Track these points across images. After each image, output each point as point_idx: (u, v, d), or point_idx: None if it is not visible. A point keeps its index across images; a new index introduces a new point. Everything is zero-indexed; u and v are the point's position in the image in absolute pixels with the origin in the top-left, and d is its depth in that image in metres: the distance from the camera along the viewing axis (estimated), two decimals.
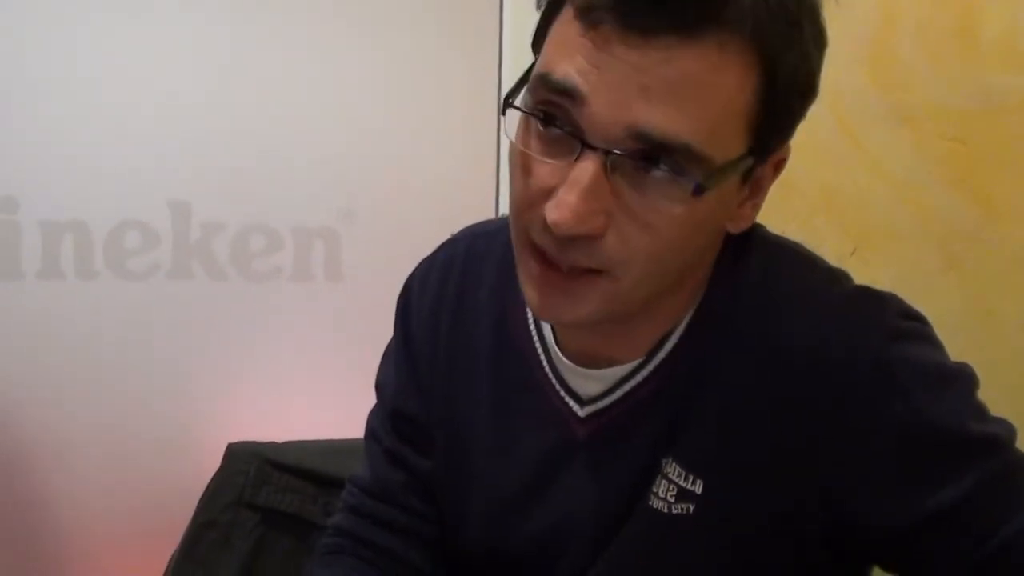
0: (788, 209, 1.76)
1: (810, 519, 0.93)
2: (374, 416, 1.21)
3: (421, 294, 1.14)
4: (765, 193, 0.90)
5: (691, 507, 0.95)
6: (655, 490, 0.96)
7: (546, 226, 0.81)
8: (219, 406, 2.23)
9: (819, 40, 0.84)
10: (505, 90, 0.86)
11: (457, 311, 1.11)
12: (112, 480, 2.17)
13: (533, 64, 0.85)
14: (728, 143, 0.81)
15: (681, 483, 0.94)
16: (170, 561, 1.90)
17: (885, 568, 0.97)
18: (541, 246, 0.85)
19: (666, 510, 0.95)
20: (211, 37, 2.16)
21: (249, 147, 2.20)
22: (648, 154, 0.79)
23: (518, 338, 1.05)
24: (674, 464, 0.95)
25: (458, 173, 2.20)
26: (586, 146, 0.79)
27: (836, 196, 1.73)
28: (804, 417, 0.91)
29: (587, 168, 0.79)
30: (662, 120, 0.77)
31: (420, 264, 1.18)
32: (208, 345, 2.23)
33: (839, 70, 1.76)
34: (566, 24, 0.82)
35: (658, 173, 0.80)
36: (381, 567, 1.15)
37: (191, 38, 2.15)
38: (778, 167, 0.90)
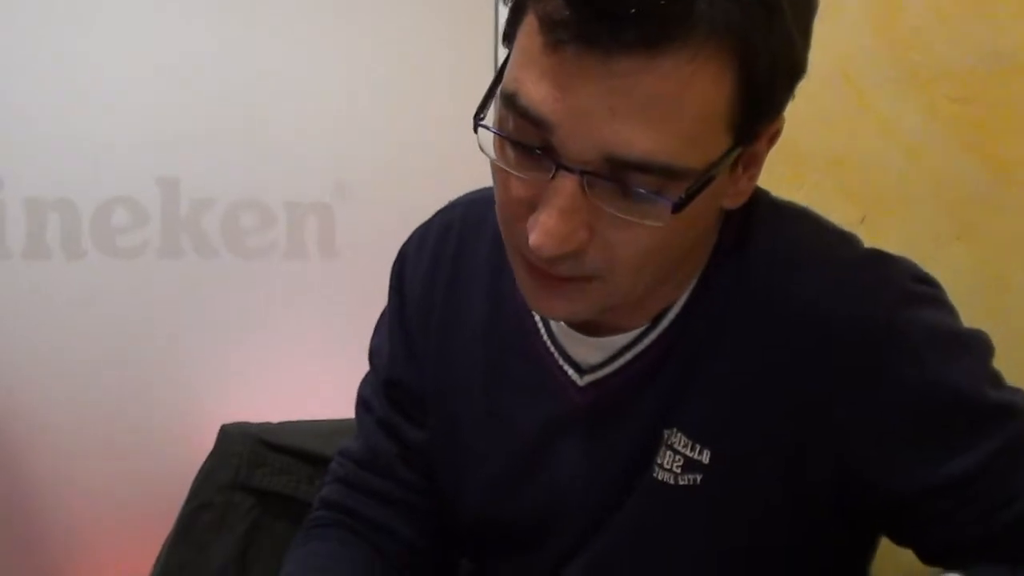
0: (793, 176, 1.75)
1: (821, 486, 0.93)
2: (366, 385, 1.21)
3: (416, 260, 1.14)
4: (761, 164, 0.89)
5: (698, 478, 0.94)
6: (660, 461, 0.96)
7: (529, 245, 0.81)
8: (212, 386, 2.23)
9: (803, 17, 0.81)
10: (501, 59, 0.85)
11: (453, 277, 1.11)
12: (103, 463, 2.18)
13: (501, 72, 0.83)
14: (709, 146, 0.79)
15: (687, 453, 0.94)
16: (164, 545, 1.90)
17: (897, 538, 0.97)
18: (530, 260, 0.85)
19: (672, 482, 0.95)
20: (201, 11, 2.16)
21: (239, 120, 2.20)
22: (625, 174, 0.78)
23: (515, 305, 1.04)
24: (679, 434, 0.95)
25: (456, 145, 2.17)
26: (561, 167, 0.78)
27: (844, 161, 1.72)
28: (814, 381, 0.90)
29: (564, 187, 0.78)
30: (636, 143, 0.76)
31: (416, 230, 1.18)
32: (200, 324, 2.23)
33: (846, 30, 1.75)
34: (530, 36, 0.78)
35: (637, 193, 0.78)
36: (371, 541, 1.15)
37: (179, 13, 2.15)
38: (773, 139, 0.88)
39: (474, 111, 0.83)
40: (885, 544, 1.03)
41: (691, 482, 0.95)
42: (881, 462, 0.90)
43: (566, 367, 1.01)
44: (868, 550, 1.05)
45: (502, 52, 0.85)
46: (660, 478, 0.96)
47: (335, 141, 2.25)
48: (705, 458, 0.94)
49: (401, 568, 1.15)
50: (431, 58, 2.28)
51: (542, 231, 0.79)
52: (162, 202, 2.17)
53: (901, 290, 0.91)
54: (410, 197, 2.14)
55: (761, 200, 0.96)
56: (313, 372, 2.25)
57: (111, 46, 2.11)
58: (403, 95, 2.28)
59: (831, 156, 1.73)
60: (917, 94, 1.65)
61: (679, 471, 0.95)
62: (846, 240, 0.97)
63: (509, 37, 0.83)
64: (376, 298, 1.20)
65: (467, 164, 2.10)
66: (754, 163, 0.88)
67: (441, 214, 1.17)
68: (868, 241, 0.97)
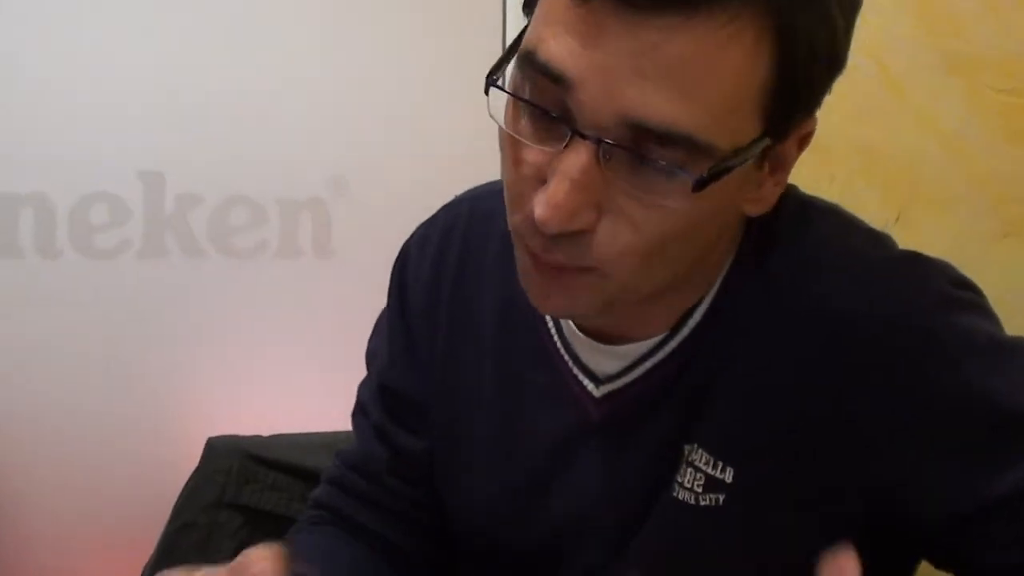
0: (823, 171, 1.75)
1: (853, 508, 0.92)
2: (364, 388, 1.21)
3: (419, 260, 1.14)
4: (789, 170, 0.89)
5: (721, 498, 0.94)
6: (680, 479, 0.95)
7: (533, 223, 0.81)
8: (198, 397, 2.24)
9: (848, 7, 0.81)
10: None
11: (459, 279, 1.11)
12: (79, 479, 2.18)
13: (521, 34, 0.83)
14: (738, 128, 0.79)
15: (709, 471, 0.94)
16: (145, 568, 1.90)
17: (936, 561, 0.97)
18: (530, 248, 0.85)
19: (693, 501, 0.95)
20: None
21: (228, 111, 2.20)
22: (645, 144, 0.78)
23: (527, 309, 1.04)
24: (700, 450, 0.94)
25: (460, 137, 2.19)
26: (577, 134, 0.78)
27: (878, 155, 1.73)
28: (845, 394, 0.90)
29: (578, 158, 0.78)
30: (660, 108, 0.76)
31: (419, 227, 1.17)
32: (185, 330, 2.23)
33: (882, 15, 1.75)
34: None
35: (656, 165, 0.78)
36: (363, 542, 1.16)
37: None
38: (803, 142, 0.88)
39: (481, 104, 0.83)
40: (925, 568, 1.03)
41: (713, 502, 0.94)
42: (919, 481, 0.90)
43: (581, 377, 1.01)
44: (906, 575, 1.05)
45: (511, 32, 0.86)
46: (681, 497, 0.95)
47: (331, 133, 2.25)
48: (728, 476, 0.94)
49: (395, 571, 1.16)
50: (434, 47, 2.27)
51: (549, 203, 0.78)
52: (145, 198, 2.17)
53: (939, 295, 0.91)
54: (411, 192, 2.16)
55: (788, 197, 0.96)
56: (307, 381, 2.26)
57: (92, 32, 2.11)
58: (407, 82, 2.27)
59: (864, 149, 1.73)
60: (958, 83, 1.65)
61: (700, 490, 0.95)
62: (879, 241, 0.96)
63: (530, 4, 0.83)
64: (375, 301, 1.20)
65: (474, 157, 2.11)
66: (781, 167, 0.87)
67: (446, 210, 1.17)
68: (903, 242, 0.97)
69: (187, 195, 2.19)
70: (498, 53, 0.85)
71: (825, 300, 0.91)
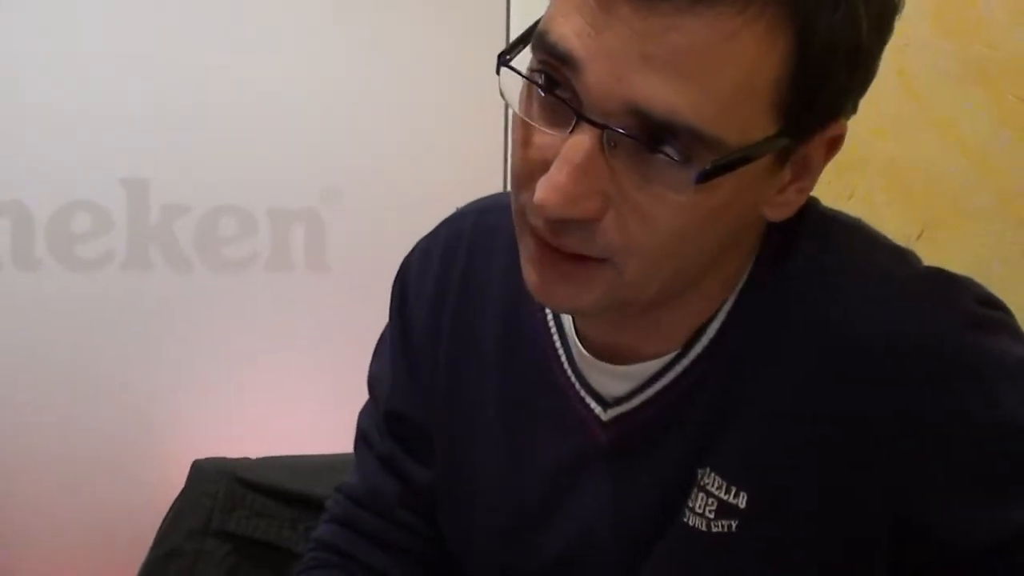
0: (842, 185, 1.75)
1: (874, 537, 0.92)
2: (366, 416, 1.21)
3: (421, 276, 1.14)
4: (815, 176, 0.89)
5: (734, 524, 0.94)
6: (691, 504, 0.95)
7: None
8: (183, 417, 2.23)
9: (876, 7, 0.81)
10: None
11: (462, 296, 1.11)
12: (57, 502, 2.17)
13: (540, 20, 0.84)
14: (749, 122, 0.79)
15: (722, 496, 0.94)
16: None
17: None
18: (535, 227, 0.86)
19: (704, 527, 0.95)
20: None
21: (217, 115, 2.20)
22: (650, 133, 0.78)
23: (532, 328, 1.04)
24: (713, 475, 0.94)
25: (460, 146, 2.19)
26: (582, 118, 0.79)
27: (899, 169, 1.73)
28: (866, 419, 0.90)
29: (581, 144, 0.79)
30: (665, 96, 0.76)
31: (420, 242, 1.17)
32: (169, 346, 2.23)
33: (903, 23, 1.75)
34: None
35: (661, 156, 0.79)
36: None
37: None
38: (832, 146, 0.88)
39: (487, 105, 0.84)
40: None
41: (725, 528, 0.94)
42: (945, 512, 0.90)
43: (588, 399, 1.01)
44: None
45: (515, 35, 0.87)
46: (692, 523, 0.95)
47: (326, 139, 2.25)
48: (741, 502, 0.94)
49: None
50: (435, 49, 2.27)
51: (550, 186, 0.79)
52: (128, 207, 2.17)
53: (966, 314, 0.91)
54: (411, 203, 2.16)
55: (809, 210, 0.96)
56: (299, 401, 2.25)
57: (72, 31, 2.11)
58: (404, 89, 2.27)
59: (884, 162, 1.73)
60: (983, 92, 1.66)
61: (712, 516, 0.95)
62: (904, 257, 0.96)
63: None
64: (372, 317, 1.20)
65: (477, 167, 2.12)
66: (806, 172, 0.88)
67: (448, 223, 1.16)
68: (927, 256, 0.97)
69: (173, 204, 2.19)
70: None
71: (847, 318, 0.91)
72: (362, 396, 1.22)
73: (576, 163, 0.79)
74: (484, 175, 2.09)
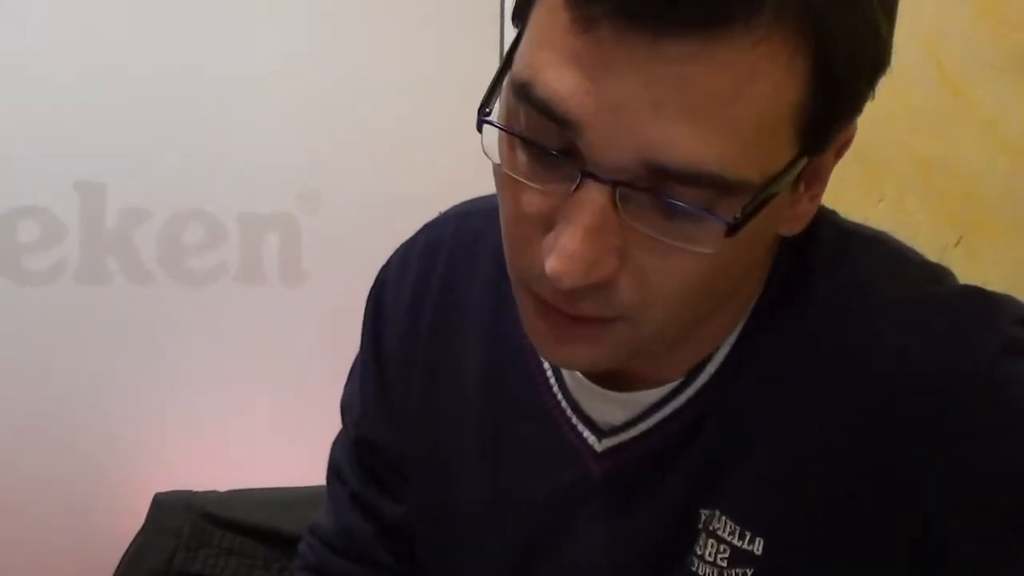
0: (871, 189, 1.75)
1: None
2: (338, 447, 1.21)
3: (397, 289, 1.14)
4: (824, 183, 0.89)
5: (749, 572, 0.93)
6: (700, 552, 0.95)
7: (544, 272, 0.80)
8: (144, 446, 2.23)
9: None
10: (508, 45, 0.84)
11: (441, 311, 1.10)
12: (2, 540, 2.17)
13: (511, 56, 0.81)
14: (772, 154, 0.78)
15: (735, 542, 0.94)
16: None
17: None
18: (542, 296, 0.84)
19: None
20: None
21: (182, 112, 2.20)
22: (667, 185, 0.76)
23: (519, 348, 1.03)
24: (723, 518, 0.94)
25: (447, 147, 2.17)
26: (588, 175, 0.77)
27: (935, 169, 1.73)
28: (891, 452, 0.89)
29: (591, 202, 0.77)
30: (684, 148, 0.75)
31: (396, 251, 1.17)
32: (128, 367, 2.22)
33: (939, 6, 1.75)
34: (552, 10, 0.77)
35: (681, 207, 0.77)
36: None
37: None
38: (840, 151, 0.88)
39: (476, 106, 0.83)
40: None
41: None
42: (975, 555, 0.89)
43: (581, 428, 1.00)
44: None
45: (509, 36, 0.85)
46: (701, 572, 0.95)
47: (302, 138, 2.25)
48: (757, 548, 0.93)
49: None
50: (420, 48, 2.28)
51: (563, 255, 0.77)
52: (82, 213, 2.17)
53: (1004, 338, 0.89)
54: (393, 208, 2.14)
55: (824, 223, 0.95)
56: (271, 428, 2.25)
57: (18, 18, 2.12)
58: (386, 88, 2.27)
59: (918, 163, 1.73)
60: None
61: (725, 564, 0.94)
62: (933, 275, 0.96)
63: (521, 13, 0.82)
64: (352, 334, 1.19)
65: (465, 167, 2.11)
66: (817, 180, 0.87)
67: (427, 230, 1.16)
68: (964, 267, 0.97)
69: (132, 209, 2.19)
70: (490, 56, 0.85)
71: (868, 346, 0.91)
72: (338, 421, 1.21)
73: (587, 225, 0.77)
74: (470, 180, 2.08)
